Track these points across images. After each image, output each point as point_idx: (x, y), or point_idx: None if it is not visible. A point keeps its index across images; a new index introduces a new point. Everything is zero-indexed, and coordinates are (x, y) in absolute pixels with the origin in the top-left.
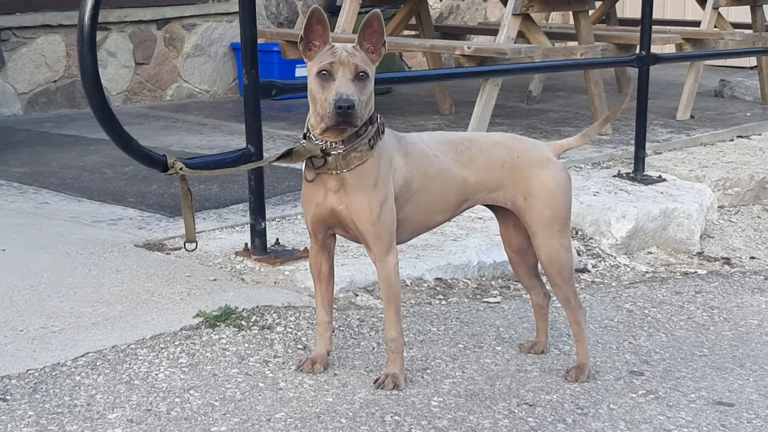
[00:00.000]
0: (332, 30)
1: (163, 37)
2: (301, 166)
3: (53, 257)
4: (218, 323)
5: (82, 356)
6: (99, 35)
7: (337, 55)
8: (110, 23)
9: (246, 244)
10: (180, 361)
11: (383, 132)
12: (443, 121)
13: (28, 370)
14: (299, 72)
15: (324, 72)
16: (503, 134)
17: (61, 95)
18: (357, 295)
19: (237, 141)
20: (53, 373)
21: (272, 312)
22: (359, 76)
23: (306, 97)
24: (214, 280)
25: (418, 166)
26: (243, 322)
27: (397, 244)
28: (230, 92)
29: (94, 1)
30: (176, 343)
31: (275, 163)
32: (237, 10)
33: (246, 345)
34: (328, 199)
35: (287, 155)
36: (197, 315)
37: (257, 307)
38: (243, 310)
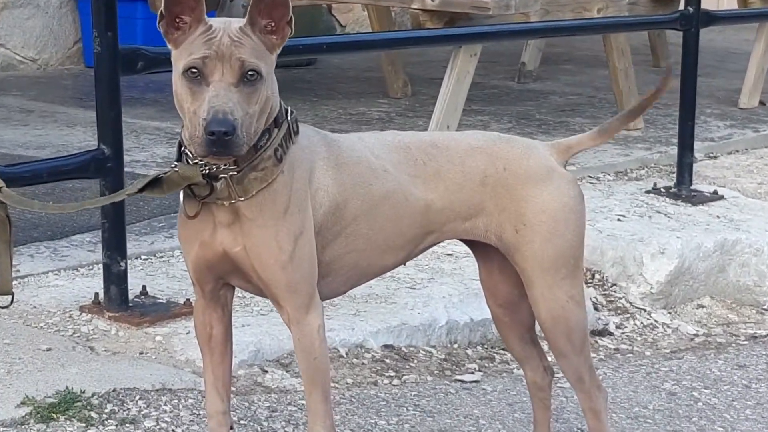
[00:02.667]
0: None
1: None
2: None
3: None
4: (54, 415)
5: None
6: None
7: (215, 44)
8: None
9: (96, 294)
10: None
11: (297, 133)
12: (393, 108)
13: None
14: None
15: (193, 71)
16: (483, 134)
17: None
18: (266, 372)
19: (82, 137)
20: None
21: (137, 398)
22: (247, 78)
23: None
24: (48, 349)
25: (356, 185)
26: (93, 414)
27: (327, 298)
28: (69, 62)
29: None
30: None
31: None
32: None
33: None
34: (217, 237)
35: (155, 184)
36: (23, 403)
37: (114, 390)
38: (93, 395)
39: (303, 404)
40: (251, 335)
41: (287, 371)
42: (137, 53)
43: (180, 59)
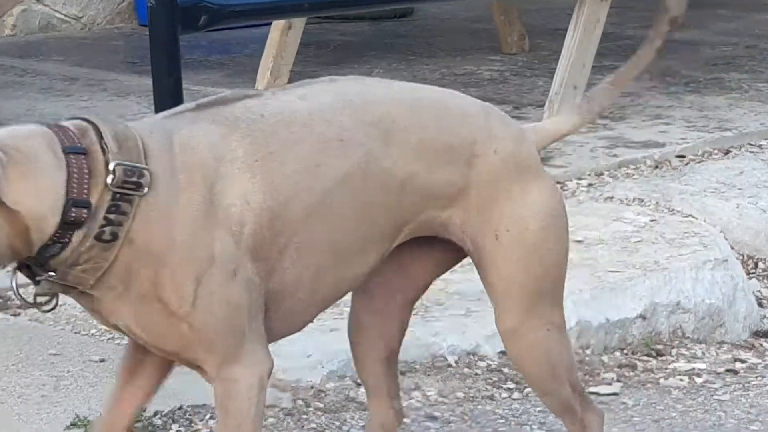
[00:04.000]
0: None
1: None
2: None
3: None
4: None
5: None
6: None
7: None
8: None
9: None
10: None
11: (140, 186)
12: (507, 67)
13: None
14: None
15: None
16: (476, 101)
17: None
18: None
19: (136, 108)
20: None
21: (206, 417)
22: None
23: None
24: (101, 361)
25: (296, 173)
26: None
27: (286, 334)
28: (119, 19)
29: None
30: None
31: None
32: None
33: None
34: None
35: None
36: (73, 424)
37: (180, 408)
38: (155, 414)
39: (405, 423)
40: (342, 341)
41: None
42: (199, 6)
43: None
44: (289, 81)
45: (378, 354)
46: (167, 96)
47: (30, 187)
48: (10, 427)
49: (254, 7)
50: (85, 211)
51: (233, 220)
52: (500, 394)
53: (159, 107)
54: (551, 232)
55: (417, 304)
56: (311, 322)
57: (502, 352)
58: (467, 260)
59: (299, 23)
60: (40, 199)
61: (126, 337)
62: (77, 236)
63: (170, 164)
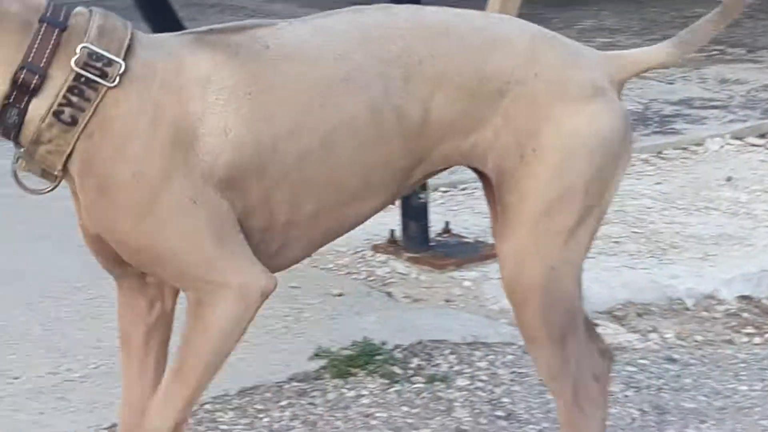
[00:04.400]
0: None
1: None
2: None
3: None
4: (353, 369)
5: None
6: None
7: None
8: None
9: (392, 231)
10: None
11: (106, 73)
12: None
13: None
14: None
15: None
16: (521, 23)
17: None
18: (596, 326)
19: None
20: None
21: (447, 352)
22: None
23: None
24: (339, 294)
25: (291, 112)
26: (397, 370)
27: (282, 268)
28: None
29: None
30: (282, 403)
31: None
32: None
33: (405, 410)
34: (82, 215)
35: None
36: (316, 355)
37: (420, 343)
38: (395, 347)
39: (644, 364)
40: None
41: (622, 324)
42: None
43: None
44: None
45: None
46: None
47: None
48: (257, 355)
49: None
50: (36, 77)
51: (204, 149)
52: (740, 338)
53: None
54: (587, 156)
55: (653, 247)
56: (309, 256)
57: (742, 297)
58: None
59: None
60: (10, 45)
61: None
62: (34, 107)
63: (152, 74)
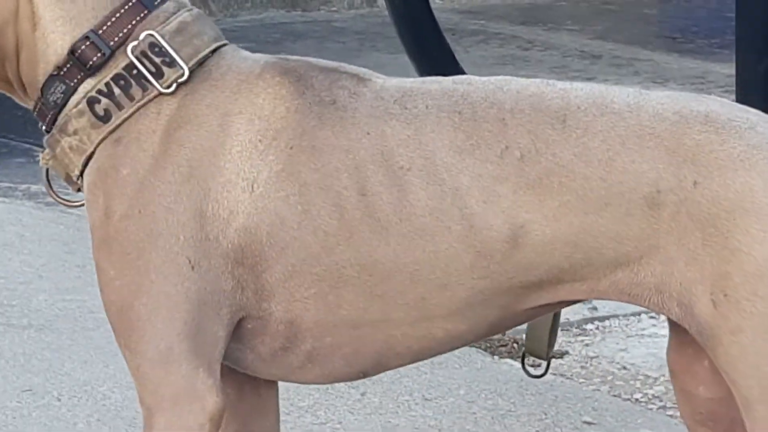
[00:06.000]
0: None
1: None
2: None
3: None
4: None
5: None
6: None
7: None
8: None
9: None
10: None
11: (163, 73)
12: None
13: None
14: None
15: None
16: (679, 102)
17: None
18: None
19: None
20: None
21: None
22: None
23: None
24: (593, 423)
25: (336, 191)
26: None
27: (312, 383)
28: None
29: None
30: None
31: None
32: None
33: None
34: None
35: None
36: None
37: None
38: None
39: None
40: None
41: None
42: None
43: None
44: None
45: None
46: (754, 85)
47: None
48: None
49: None
50: (98, 53)
51: (222, 202)
52: None
53: (741, 97)
54: None
55: None
56: (357, 378)
57: None
58: None
59: None
60: (65, 10)
61: None
62: (83, 89)
63: (208, 95)
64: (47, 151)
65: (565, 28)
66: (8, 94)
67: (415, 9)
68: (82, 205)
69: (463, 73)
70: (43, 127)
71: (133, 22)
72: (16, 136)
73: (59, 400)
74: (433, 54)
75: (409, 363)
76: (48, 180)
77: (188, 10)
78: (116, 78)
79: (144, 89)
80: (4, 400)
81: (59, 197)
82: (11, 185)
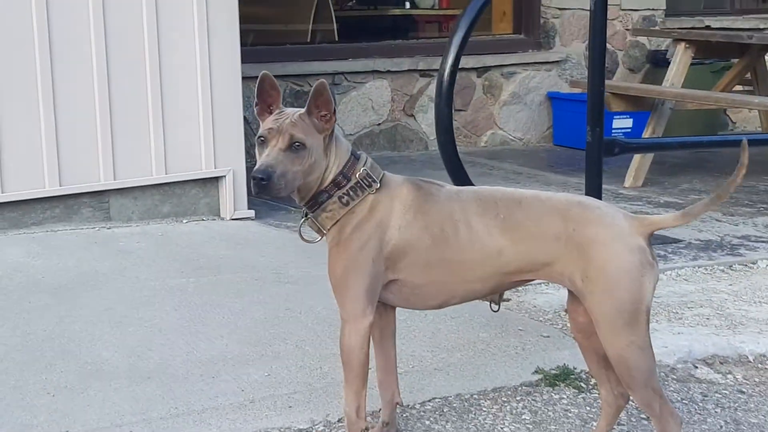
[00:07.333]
0: (660, 83)
1: (482, 85)
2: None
3: None
4: (557, 382)
5: (429, 401)
6: (424, 81)
7: (279, 123)
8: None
9: None
10: (523, 417)
11: (370, 185)
12: None
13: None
14: (616, 123)
15: (261, 138)
16: (569, 197)
17: (384, 138)
18: (696, 368)
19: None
20: (403, 415)
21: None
22: (294, 147)
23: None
24: (547, 336)
25: (430, 230)
26: (582, 384)
27: (421, 308)
28: (543, 141)
29: (453, 59)
30: (517, 398)
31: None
32: (556, 59)
33: (587, 408)
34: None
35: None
36: (536, 372)
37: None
38: (581, 371)
39: (726, 393)
40: (685, 340)
41: (711, 368)
42: (614, 142)
43: (259, 130)
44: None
45: (592, 357)
46: (595, 193)
47: (336, 156)
48: (504, 368)
49: (645, 145)
50: (345, 180)
51: (387, 235)
52: None
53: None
54: (616, 282)
55: (728, 323)
56: (437, 307)
57: None
58: (765, 299)
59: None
60: (336, 164)
61: None
62: (336, 194)
63: (385, 192)
64: (309, 218)
65: (507, 161)
66: (291, 196)
67: (450, 151)
68: (317, 242)
69: (472, 184)
70: (306, 209)
71: (355, 164)
72: (288, 204)
73: None
74: (458, 175)
75: (458, 303)
76: (300, 230)
77: (367, 156)
78: (353, 187)
79: (363, 191)
80: None
81: (304, 237)
82: (277, 223)
